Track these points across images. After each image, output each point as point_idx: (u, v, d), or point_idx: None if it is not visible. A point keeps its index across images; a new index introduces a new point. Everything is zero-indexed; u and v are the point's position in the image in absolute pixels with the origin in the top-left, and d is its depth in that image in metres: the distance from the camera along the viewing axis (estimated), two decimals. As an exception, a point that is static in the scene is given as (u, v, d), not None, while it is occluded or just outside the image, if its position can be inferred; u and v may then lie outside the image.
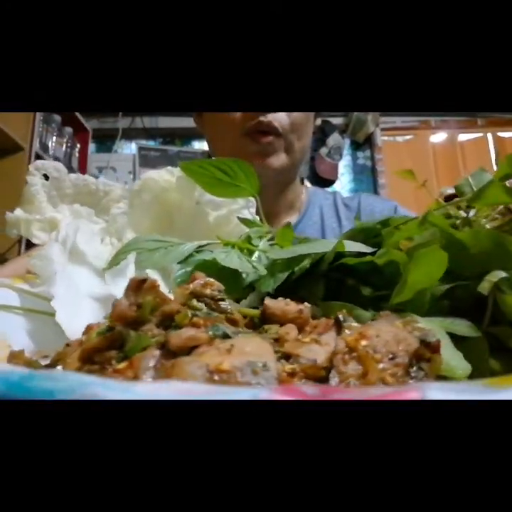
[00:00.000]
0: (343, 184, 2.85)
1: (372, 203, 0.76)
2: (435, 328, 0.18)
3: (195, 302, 0.18)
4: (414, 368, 0.16)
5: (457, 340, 0.19)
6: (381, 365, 0.15)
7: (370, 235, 0.27)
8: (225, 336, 0.17)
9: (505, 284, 0.19)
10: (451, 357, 0.17)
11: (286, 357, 0.16)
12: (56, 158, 2.16)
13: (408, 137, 2.95)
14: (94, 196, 0.35)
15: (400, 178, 0.35)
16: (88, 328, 0.20)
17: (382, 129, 2.87)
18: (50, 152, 2.12)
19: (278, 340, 0.17)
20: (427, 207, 0.28)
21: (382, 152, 2.83)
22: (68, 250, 0.28)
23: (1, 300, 0.26)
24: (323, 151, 2.73)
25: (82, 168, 2.49)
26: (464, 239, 0.21)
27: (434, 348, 0.16)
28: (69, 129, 2.34)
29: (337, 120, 2.81)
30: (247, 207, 0.33)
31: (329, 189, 2.77)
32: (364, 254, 0.24)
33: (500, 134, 2.92)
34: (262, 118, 0.61)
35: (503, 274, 0.19)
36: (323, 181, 2.78)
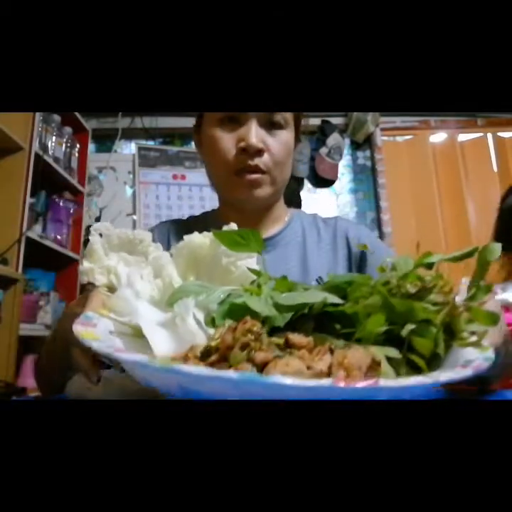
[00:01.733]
0: (343, 184, 2.86)
1: (347, 226, 0.87)
2: (379, 352, 0.33)
3: (249, 335, 0.31)
4: (369, 373, 0.29)
5: (389, 359, 0.33)
6: (354, 372, 0.29)
7: (340, 290, 0.41)
8: (279, 357, 0.30)
9: (414, 331, 0.34)
10: (385, 367, 0.32)
11: (307, 367, 0.29)
12: (56, 158, 2.16)
13: (408, 137, 2.95)
14: (132, 243, 0.49)
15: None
16: (191, 348, 0.34)
17: (382, 129, 2.87)
18: (50, 152, 2.12)
19: (301, 358, 0.30)
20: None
21: (382, 152, 2.84)
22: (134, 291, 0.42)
23: (109, 327, 0.39)
24: (323, 151, 2.73)
25: (82, 168, 2.49)
26: (394, 303, 0.36)
27: (378, 363, 0.31)
28: (68, 129, 2.34)
29: (337, 120, 2.81)
30: (248, 258, 0.47)
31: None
32: (337, 304, 0.38)
33: (500, 134, 2.93)
34: (249, 162, 0.74)
35: (412, 326, 0.34)
36: (323, 181, 2.78)
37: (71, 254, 2.26)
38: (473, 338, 0.35)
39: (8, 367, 1.61)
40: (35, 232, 1.96)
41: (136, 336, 0.39)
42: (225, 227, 0.48)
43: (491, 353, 0.32)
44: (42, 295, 2.03)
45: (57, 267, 2.23)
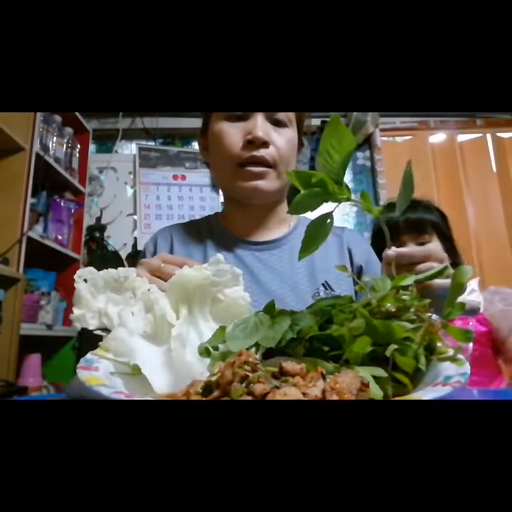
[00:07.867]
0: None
1: (352, 238, 0.88)
2: (366, 373, 0.35)
3: (246, 366, 0.32)
4: (359, 395, 0.31)
5: (376, 377, 0.35)
6: (346, 396, 0.30)
7: (325, 313, 0.43)
8: (276, 387, 0.31)
9: (397, 350, 0.36)
10: (373, 388, 0.34)
11: (303, 393, 0.30)
12: (57, 159, 2.17)
13: (407, 138, 2.95)
14: (117, 282, 0.50)
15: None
16: (192, 384, 0.35)
17: (382, 130, 2.87)
18: (51, 152, 2.13)
19: (295, 385, 0.31)
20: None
21: (381, 152, 2.84)
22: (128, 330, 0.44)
23: (109, 368, 0.40)
24: (323, 151, 2.73)
25: (83, 169, 2.50)
26: (377, 325, 0.38)
27: (367, 385, 0.32)
28: (69, 130, 2.34)
29: (336, 121, 2.81)
30: (234, 285, 0.49)
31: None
32: (323, 328, 0.41)
33: (500, 135, 2.93)
34: (255, 153, 0.75)
35: (395, 346, 0.37)
36: (323, 181, 2.78)
37: (72, 254, 2.27)
38: (450, 353, 0.38)
39: (9, 366, 1.62)
40: (36, 232, 1.97)
41: (135, 374, 0.40)
42: (211, 260, 0.49)
43: (466, 368, 0.35)
44: (43, 295, 2.03)
45: (58, 267, 2.24)
